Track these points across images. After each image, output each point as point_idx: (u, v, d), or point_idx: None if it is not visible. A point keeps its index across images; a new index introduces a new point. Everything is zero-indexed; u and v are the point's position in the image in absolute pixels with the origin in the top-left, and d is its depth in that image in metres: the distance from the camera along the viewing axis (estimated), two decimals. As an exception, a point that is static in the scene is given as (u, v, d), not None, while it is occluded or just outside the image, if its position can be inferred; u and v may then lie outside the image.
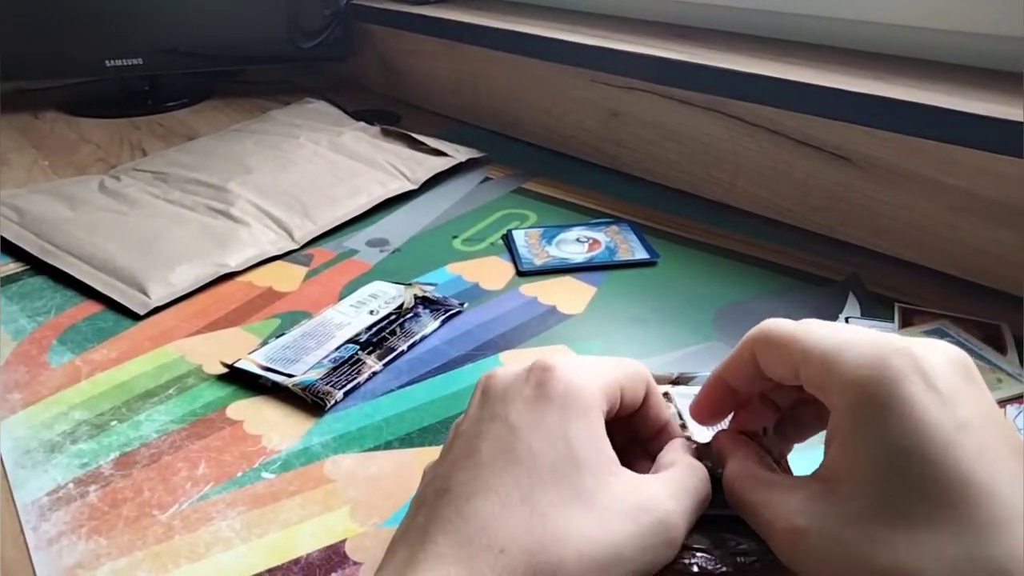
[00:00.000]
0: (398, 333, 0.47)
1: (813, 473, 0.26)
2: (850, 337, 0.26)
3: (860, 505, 0.23)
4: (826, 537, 0.24)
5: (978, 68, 0.56)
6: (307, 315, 0.49)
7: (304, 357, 0.44)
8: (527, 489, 0.25)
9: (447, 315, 0.49)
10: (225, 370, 0.44)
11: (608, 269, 0.55)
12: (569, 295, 0.52)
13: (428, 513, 0.26)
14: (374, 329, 0.47)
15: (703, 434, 0.34)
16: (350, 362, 0.44)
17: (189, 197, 0.64)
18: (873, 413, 0.24)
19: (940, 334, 0.46)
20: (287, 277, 0.55)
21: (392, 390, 0.43)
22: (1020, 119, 0.45)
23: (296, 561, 0.32)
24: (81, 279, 0.53)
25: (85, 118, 0.93)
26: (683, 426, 0.35)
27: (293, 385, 0.42)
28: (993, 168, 0.49)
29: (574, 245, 0.58)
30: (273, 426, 0.40)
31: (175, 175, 0.69)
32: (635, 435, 0.32)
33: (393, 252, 0.59)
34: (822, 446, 0.27)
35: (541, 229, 0.61)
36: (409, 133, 0.77)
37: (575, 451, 0.26)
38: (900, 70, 0.56)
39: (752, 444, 0.30)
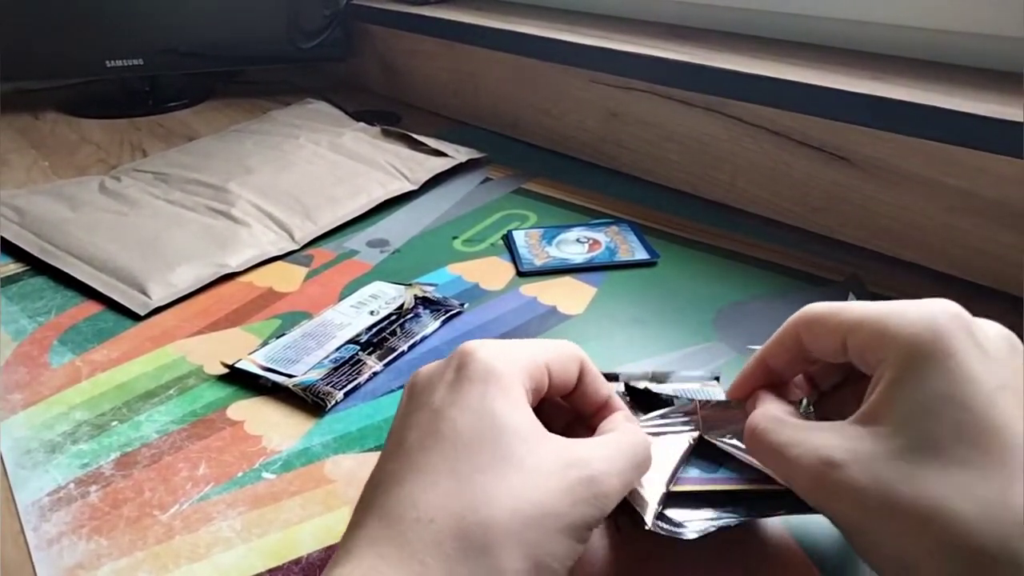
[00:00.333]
0: (398, 333, 0.47)
1: (846, 420, 0.26)
2: (899, 304, 0.27)
3: (899, 443, 0.24)
4: (861, 470, 0.24)
5: (978, 68, 0.56)
6: (307, 315, 0.50)
7: (304, 357, 0.44)
8: (453, 462, 0.25)
9: (447, 316, 0.49)
10: (226, 370, 0.44)
11: (608, 269, 0.55)
12: (569, 295, 0.52)
13: (361, 507, 0.26)
14: (374, 329, 0.47)
15: None
16: (350, 362, 0.44)
17: (190, 198, 0.64)
18: (923, 362, 0.24)
19: (940, 334, 0.46)
20: (287, 277, 0.55)
21: (393, 390, 0.43)
22: (1020, 119, 0.45)
23: (296, 561, 0.32)
24: (81, 279, 0.53)
25: (85, 118, 0.93)
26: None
27: (293, 385, 0.42)
28: (993, 168, 0.49)
29: (574, 245, 0.58)
30: (274, 426, 0.40)
31: (175, 176, 0.69)
32: (578, 415, 0.32)
33: (393, 253, 0.59)
34: None
35: (541, 229, 0.61)
36: (409, 134, 0.77)
37: (500, 421, 0.26)
38: (900, 70, 0.56)
39: (774, 397, 0.31)
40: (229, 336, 0.48)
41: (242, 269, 0.55)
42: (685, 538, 0.29)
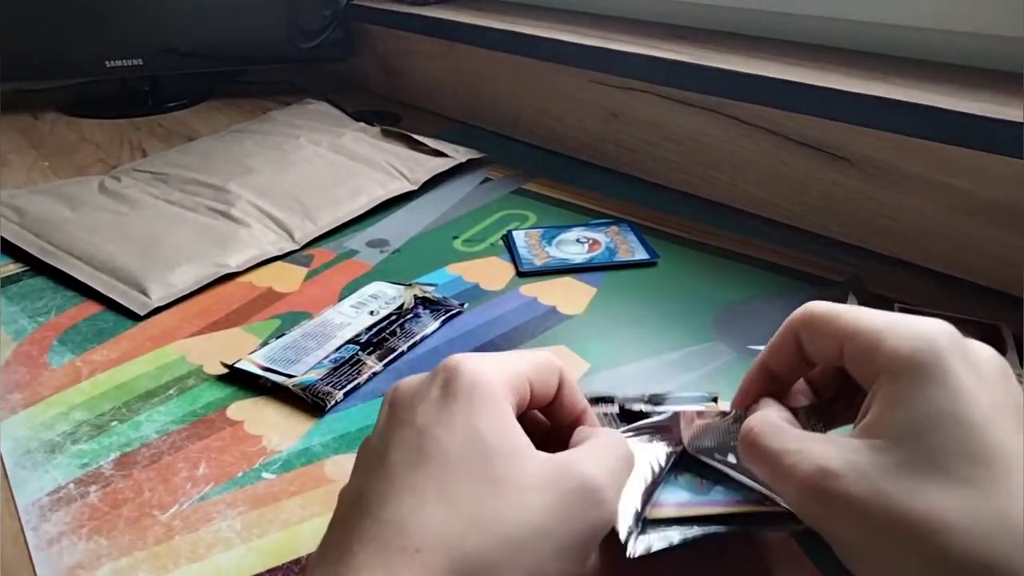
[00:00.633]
0: (398, 334, 0.47)
1: (846, 434, 0.26)
2: (896, 317, 0.27)
3: (900, 457, 0.24)
4: (858, 481, 0.24)
5: (977, 68, 0.56)
6: (307, 316, 0.50)
7: (304, 357, 0.44)
8: (440, 485, 0.25)
9: (447, 316, 0.49)
10: (225, 370, 0.44)
11: (608, 270, 0.55)
12: (569, 295, 0.52)
13: (344, 528, 0.25)
14: (374, 330, 0.47)
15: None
16: (350, 362, 0.44)
17: (189, 198, 0.64)
18: (921, 378, 0.24)
19: (940, 334, 0.46)
20: (287, 278, 0.55)
21: (392, 390, 0.43)
22: (1019, 119, 0.45)
23: (297, 561, 0.32)
24: (81, 280, 0.53)
25: (85, 119, 0.93)
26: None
27: (293, 385, 0.42)
28: (992, 168, 0.49)
29: (574, 246, 0.58)
30: (273, 426, 0.40)
31: (175, 176, 0.69)
32: (554, 427, 0.32)
33: (393, 253, 0.59)
34: None
35: (541, 230, 0.61)
36: (409, 134, 0.77)
37: (486, 441, 0.26)
38: (899, 70, 0.56)
39: (780, 405, 0.30)
40: (229, 336, 0.48)
41: (242, 269, 0.55)
42: (673, 544, 0.29)
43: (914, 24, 0.59)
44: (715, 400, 0.39)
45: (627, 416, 0.36)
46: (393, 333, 0.47)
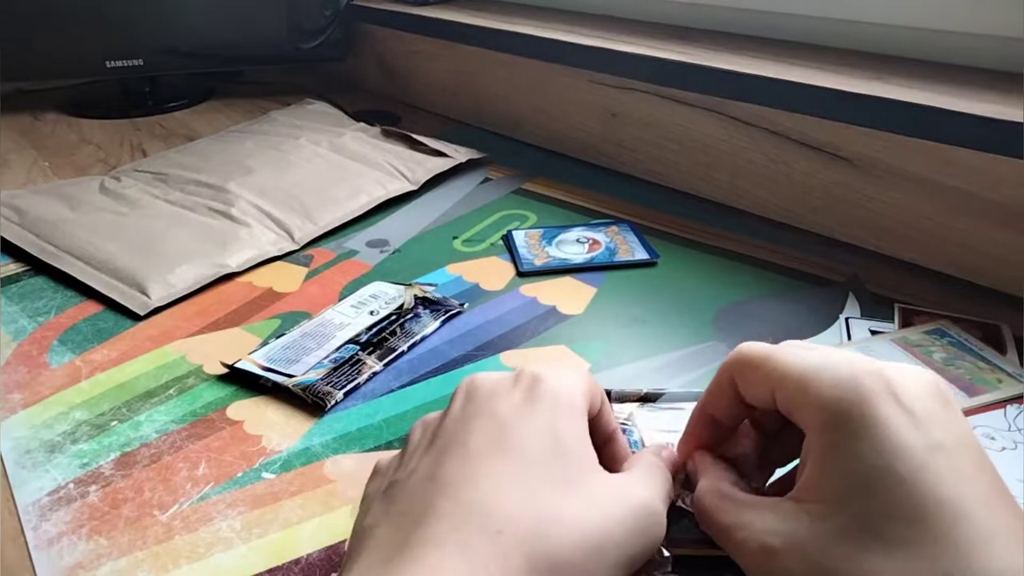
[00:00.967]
0: (398, 333, 0.47)
1: (787, 495, 0.26)
2: (825, 359, 0.26)
3: (833, 524, 0.23)
4: (799, 557, 0.23)
5: (976, 68, 0.56)
6: (307, 315, 0.50)
7: (304, 357, 0.44)
8: (518, 476, 0.25)
9: (447, 315, 0.49)
10: (225, 370, 0.44)
11: (608, 269, 0.55)
12: (569, 295, 0.52)
13: (417, 500, 0.25)
14: (374, 329, 0.47)
15: None
16: (350, 362, 0.44)
17: (189, 198, 0.64)
18: (846, 433, 0.24)
19: (940, 334, 0.46)
20: (287, 277, 0.55)
21: (392, 390, 0.43)
22: (1019, 119, 0.45)
23: (296, 561, 0.32)
24: (81, 280, 0.53)
25: (85, 119, 0.93)
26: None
27: (293, 385, 0.42)
28: (992, 169, 0.49)
29: (574, 246, 0.58)
30: (273, 426, 0.40)
31: (175, 176, 0.69)
32: None
33: (393, 253, 0.59)
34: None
35: (541, 230, 0.61)
36: (409, 134, 0.77)
37: (563, 445, 0.26)
38: (899, 70, 0.56)
39: (724, 463, 0.30)
40: (229, 336, 0.48)
41: (242, 269, 0.55)
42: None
43: (914, 24, 0.59)
44: None
45: None
46: (393, 333, 0.47)
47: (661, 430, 0.37)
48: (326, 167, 0.70)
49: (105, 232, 0.59)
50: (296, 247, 0.59)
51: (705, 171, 0.66)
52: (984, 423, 0.39)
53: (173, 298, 0.52)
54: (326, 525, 0.34)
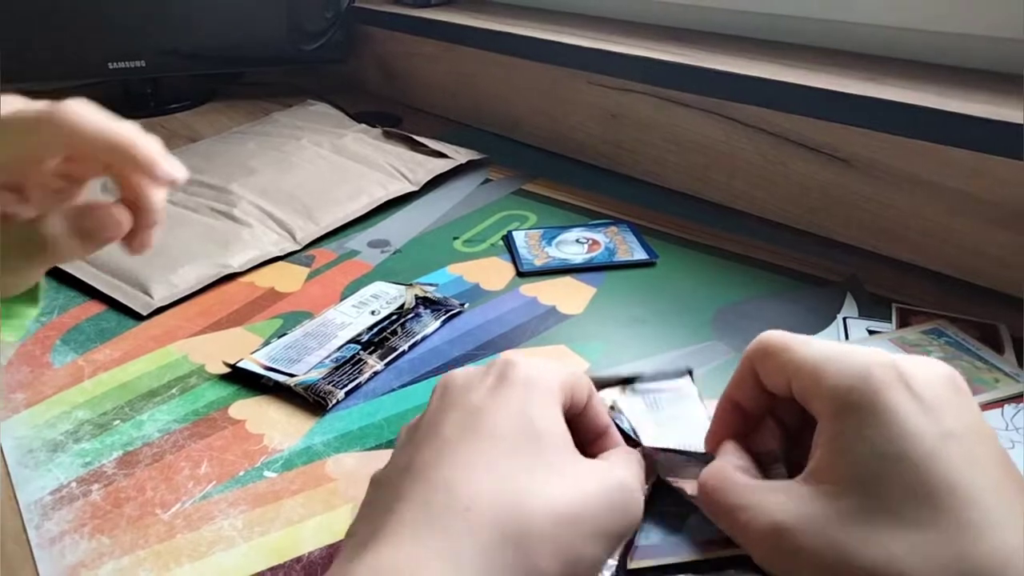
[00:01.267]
0: (399, 333, 0.47)
1: (796, 479, 0.26)
2: (840, 350, 0.27)
3: (848, 505, 0.24)
4: (811, 533, 0.24)
5: (975, 70, 0.56)
6: (309, 315, 0.50)
7: (306, 357, 0.45)
8: (490, 457, 0.26)
9: (448, 315, 0.49)
10: (227, 370, 0.44)
11: (607, 270, 0.55)
12: (569, 295, 0.52)
13: (389, 490, 0.26)
14: (375, 329, 0.47)
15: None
16: (352, 362, 0.44)
17: (192, 198, 0.65)
18: (859, 419, 0.24)
19: (937, 334, 0.46)
20: (289, 278, 0.55)
21: (393, 389, 0.43)
22: (1018, 121, 0.45)
23: (298, 560, 0.32)
24: (84, 280, 0.54)
25: (87, 120, 0.93)
26: (633, 437, 0.35)
27: (295, 385, 0.42)
28: (991, 170, 0.49)
29: (574, 246, 0.58)
30: (275, 425, 0.40)
31: (177, 177, 0.69)
32: (579, 440, 0.32)
33: (394, 253, 0.59)
34: None
35: (541, 230, 0.61)
36: (410, 135, 0.77)
37: (535, 427, 0.27)
38: (897, 72, 0.56)
39: (733, 447, 0.30)
40: (231, 336, 0.48)
41: (244, 269, 0.56)
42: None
43: (912, 26, 0.59)
44: (690, 373, 0.39)
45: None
46: (394, 332, 0.47)
47: (646, 413, 0.37)
48: (328, 168, 0.70)
49: (107, 233, 0.59)
50: (298, 247, 0.59)
51: (704, 172, 0.67)
52: (981, 422, 0.39)
53: (175, 298, 0.52)
54: (327, 524, 0.34)
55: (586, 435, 0.32)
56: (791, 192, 0.61)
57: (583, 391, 0.31)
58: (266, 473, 0.37)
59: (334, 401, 0.41)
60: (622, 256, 0.56)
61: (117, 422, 0.41)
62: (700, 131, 0.65)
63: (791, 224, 0.62)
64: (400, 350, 0.46)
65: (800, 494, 0.25)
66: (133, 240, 0.30)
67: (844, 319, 0.48)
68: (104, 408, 0.42)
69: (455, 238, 0.61)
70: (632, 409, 0.37)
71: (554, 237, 0.60)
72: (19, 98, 0.28)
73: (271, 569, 0.32)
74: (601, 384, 0.38)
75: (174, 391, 0.43)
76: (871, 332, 0.47)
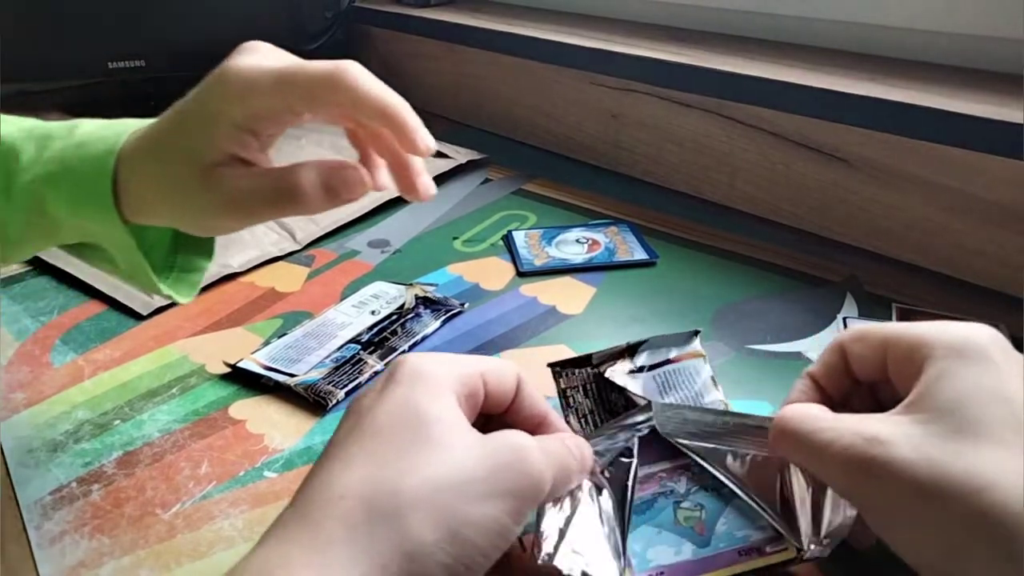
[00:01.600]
0: (399, 333, 0.47)
1: (886, 412, 0.26)
2: (937, 324, 0.28)
3: (943, 426, 0.24)
4: (906, 446, 0.24)
5: (975, 70, 0.56)
6: (309, 315, 0.50)
7: (306, 357, 0.45)
8: (370, 449, 0.26)
9: (448, 315, 0.49)
10: (228, 370, 0.44)
11: (607, 270, 0.55)
12: (569, 295, 0.52)
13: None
14: (375, 329, 0.47)
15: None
16: (352, 362, 0.44)
17: (191, 198, 0.65)
18: (965, 358, 0.25)
19: (938, 334, 0.46)
20: (289, 277, 0.55)
21: (393, 390, 0.43)
22: (1018, 120, 0.45)
23: (298, 559, 0.32)
24: (84, 279, 0.54)
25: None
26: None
27: (295, 385, 0.42)
28: (991, 169, 0.49)
29: (574, 246, 0.58)
30: (275, 425, 0.40)
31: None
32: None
33: (394, 253, 0.59)
34: None
35: (541, 230, 0.61)
36: (410, 135, 0.77)
37: (417, 412, 0.27)
38: (898, 72, 0.56)
39: (819, 399, 0.30)
40: (231, 336, 0.48)
41: (244, 269, 0.56)
42: None
43: (913, 26, 0.59)
44: (696, 334, 0.38)
45: (605, 402, 0.37)
46: (394, 332, 0.47)
47: (657, 397, 0.36)
48: (327, 168, 0.70)
49: (107, 233, 0.59)
50: (298, 247, 0.59)
51: (704, 172, 0.67)
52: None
53: (175, 298, 0.52)
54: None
55: (525, 427, 0.31)
56: (791, 192, 0.61)
57: (503, 380, 0.30)
58: (266, 473, 0.37)
59: (334, 401, 0.41)
60: (622, 256, 0.57)
61: (117, 422, 0.41)
62: (701, 131, 0.65)
63: (791, 224, 0.62)
64: (400, 350, 0.46)
65: (892, 419, 0.25)
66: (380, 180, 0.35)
67: (844, 319, 0.48)
68: (104, 408, 0.42)
69: (455, 238, 0.61)
70: (644, 392, 0.37)
71: (554, 237, 0.60)
72: (284, 52, 0.31)
73: (271, 569, 0.32)
74: (605, 357, 0.38)
75: (174, 391, 0.43)
76: (871, 332, 0.47)
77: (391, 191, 0.35)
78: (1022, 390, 0.24)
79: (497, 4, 0.92)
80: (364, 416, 0.27)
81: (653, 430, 0.33)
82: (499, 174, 0.74)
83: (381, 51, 1.00)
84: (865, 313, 0.49)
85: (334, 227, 0.62)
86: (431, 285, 0.53)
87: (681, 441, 0.32)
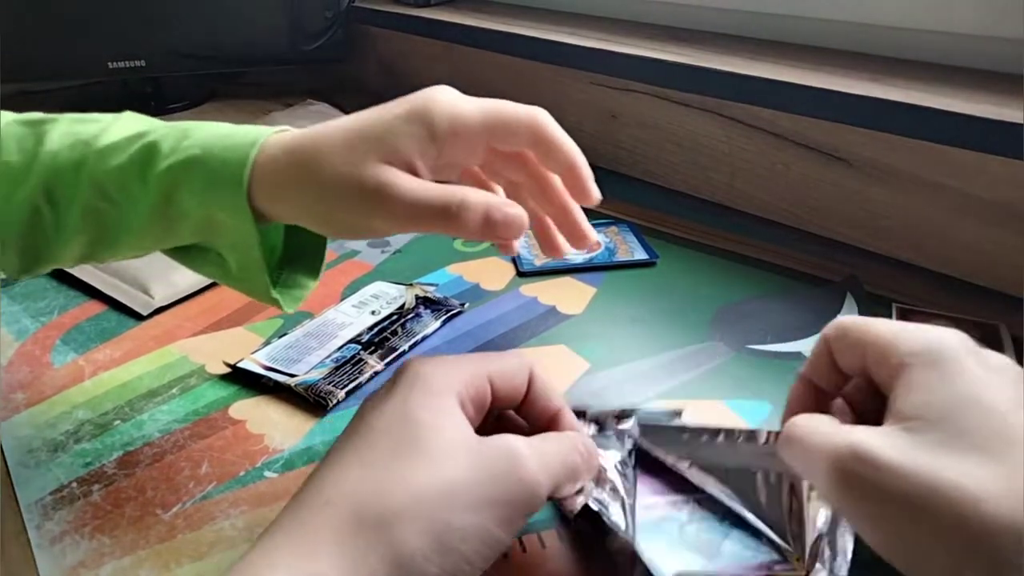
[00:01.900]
0: (399, 333, 0.47)
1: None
2: (912, 325, 0.28)
3: (931, 436, 0.24)
4: (896, 454, 0.24)
5: (975, 70, 0.56)
6: (309, 315, 0.50)
7: (306, 357, 0.45)
8: (361, 453, 0.26)
9: (448, 315, 0.49)
10: (228, 370, 0.44)
11: (608, 270, 0.55)
12: (569, 295, 0.52)
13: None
14: (376, 329, 0.47)
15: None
16: (352, 362, 0.44)
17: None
18: (940, 367, 0.25)
19: (938, 334, 0.46)
20: (289, 278, 0.55)
21: (393, 390, 0.43)
22: (1018, 120, 0.45)
23: (298, 559, 0.32)
24: (84, 279, 0.54)
25: (87, 120, 0.93)
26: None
27: (295, 385, 0.42)
28: (991, 169, 0.49)
29: (574, 246, 0.58)
30: (276, 426, 0.40)
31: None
32: (532, 430, 0.32)
33: (394, 253, 0.59)
34: None
35: (541, 230, 0.61)
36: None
37: (414, 419, 0.27)
38: (898, 72, 0.56)
39: (816, 398, 0.31)
40: (231, 336, 0.48)
41: (243, 269, 0.56)
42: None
43: (913, 26, 0.59)
44: (679, 414, 0.38)
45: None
46: (394, 332, 0.47)
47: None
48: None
49: (107, 233, 0.59)
50: (297, 248, 0.59)
51: (704, 172, 0.67)
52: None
53: (176, 298, 0.52)
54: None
55: (537, 423, 0.31)
56: (791, 192, 0.61)
57: (514, 378, 0.30)
58: (267, 473, 0.37)
59: (335, 401, 0.41)
60: (622, 256, 0.57)
61: (117, 422, 0.41)
62: (701, 131, 0.65)
63: (791, 224, 0.62)
64: (400, 350, 0.46)
65: (882, 429, 0.25)
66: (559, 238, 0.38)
67: (844, 319, 0.48)
68: (104, 408, 0.42)
69: (455, 238, 0.61)
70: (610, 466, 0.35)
71: (554, 237, 0.60)
72: (458, 93, 0.33)
73: (272, 569, 0.32)
74: (596, 417, 0.37)
75: (174, 391, 0.43)
76: (871, 332, 0.47)
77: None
78: (999, 398, 0.24)
79: (497, 4, 0.92)
80: (362, 422, 0.28)
81: (654, 460, 0.34)
82: (499, 174, 0.74)
83: (381, 51, 1.00)
84: (865, 313, 0.49)
85: (334, 227, 0.62)
86: (431, 285, 0.53)
87: (680, 466, 0.33)
